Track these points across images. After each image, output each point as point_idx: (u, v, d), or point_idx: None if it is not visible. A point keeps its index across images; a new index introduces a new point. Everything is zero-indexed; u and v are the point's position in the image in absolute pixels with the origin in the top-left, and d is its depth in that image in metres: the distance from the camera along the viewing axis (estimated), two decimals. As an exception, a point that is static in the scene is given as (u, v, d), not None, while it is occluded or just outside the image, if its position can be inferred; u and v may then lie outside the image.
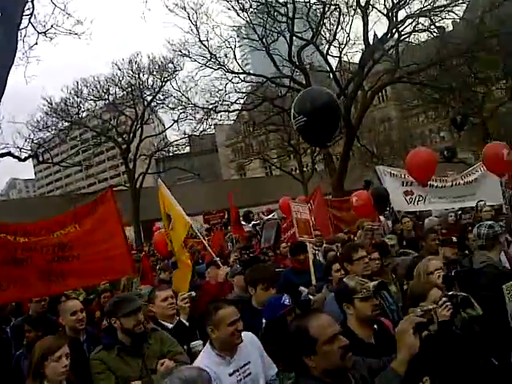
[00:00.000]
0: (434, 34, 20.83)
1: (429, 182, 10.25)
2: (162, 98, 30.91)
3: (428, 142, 57.10)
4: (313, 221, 8.61)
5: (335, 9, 21.59)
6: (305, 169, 37.09)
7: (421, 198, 10.19)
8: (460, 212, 9.64)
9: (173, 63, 28.68)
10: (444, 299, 2.99)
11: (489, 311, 4.02)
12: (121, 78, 30.59)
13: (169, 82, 29.46)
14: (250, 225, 14.18)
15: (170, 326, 4.14)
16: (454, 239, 5.74)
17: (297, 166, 38.67)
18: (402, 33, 20.93)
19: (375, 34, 22.39)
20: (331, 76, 24.16)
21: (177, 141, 35.41)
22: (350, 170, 25.08)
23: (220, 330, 2.92)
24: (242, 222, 13.81)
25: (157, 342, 3.49)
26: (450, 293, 3.13)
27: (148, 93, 31.12)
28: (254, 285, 4.17)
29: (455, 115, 19.05)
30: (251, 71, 33.67)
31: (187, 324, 4.26)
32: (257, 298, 4.15)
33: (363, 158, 33.98)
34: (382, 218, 11.07)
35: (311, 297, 4.68)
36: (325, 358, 2.10)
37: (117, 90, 31.50)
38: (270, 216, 15.17)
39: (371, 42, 20.81)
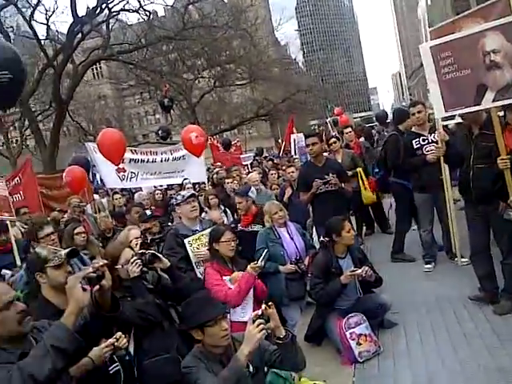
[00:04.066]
0: (145, 17, 21.31)
1: (140, 157, 10.64)
2: None
3: (145, 123, 58.92)
4: (21, 196, 8.02)
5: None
6: (14, 144, 33.20)
7: (133, 175, 10.45)
8: (165, 188, 10.37)
9: None
10: (134, 258, 3.36)
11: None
12: None
13: None
14: None
15: None
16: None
17: (4, 141, 34.22)
18: (112, 10, 20.62)
19: (88, 7, 21.49)
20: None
21: None
22: (66, 148, 23.61)
23: None
24: None
25: None
26: (140, 251, 3.51)
27: None
28: None
29: (162, 98, 20.20)
30: None
31: None
32: None
33: (78, 136, 32.59)
34: (96, 196, 11.00)
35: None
36: (1, 325, 2.09)
37: None
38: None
39: (83, 14, 19.83)
